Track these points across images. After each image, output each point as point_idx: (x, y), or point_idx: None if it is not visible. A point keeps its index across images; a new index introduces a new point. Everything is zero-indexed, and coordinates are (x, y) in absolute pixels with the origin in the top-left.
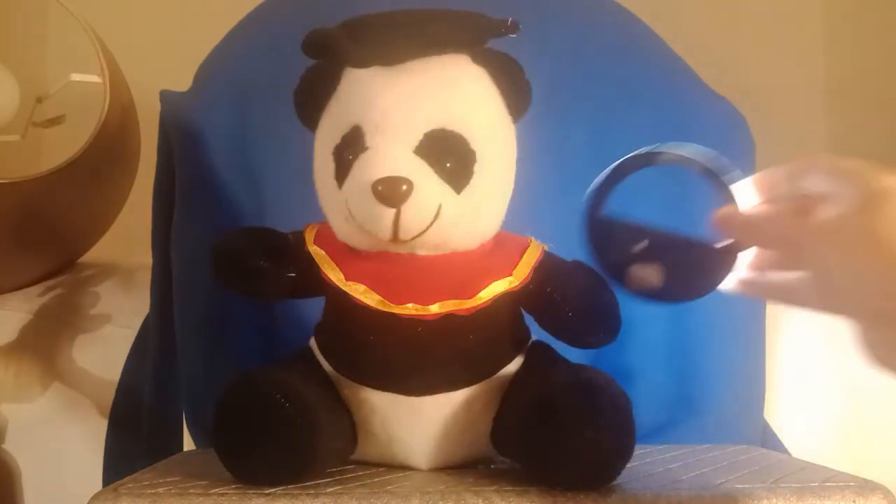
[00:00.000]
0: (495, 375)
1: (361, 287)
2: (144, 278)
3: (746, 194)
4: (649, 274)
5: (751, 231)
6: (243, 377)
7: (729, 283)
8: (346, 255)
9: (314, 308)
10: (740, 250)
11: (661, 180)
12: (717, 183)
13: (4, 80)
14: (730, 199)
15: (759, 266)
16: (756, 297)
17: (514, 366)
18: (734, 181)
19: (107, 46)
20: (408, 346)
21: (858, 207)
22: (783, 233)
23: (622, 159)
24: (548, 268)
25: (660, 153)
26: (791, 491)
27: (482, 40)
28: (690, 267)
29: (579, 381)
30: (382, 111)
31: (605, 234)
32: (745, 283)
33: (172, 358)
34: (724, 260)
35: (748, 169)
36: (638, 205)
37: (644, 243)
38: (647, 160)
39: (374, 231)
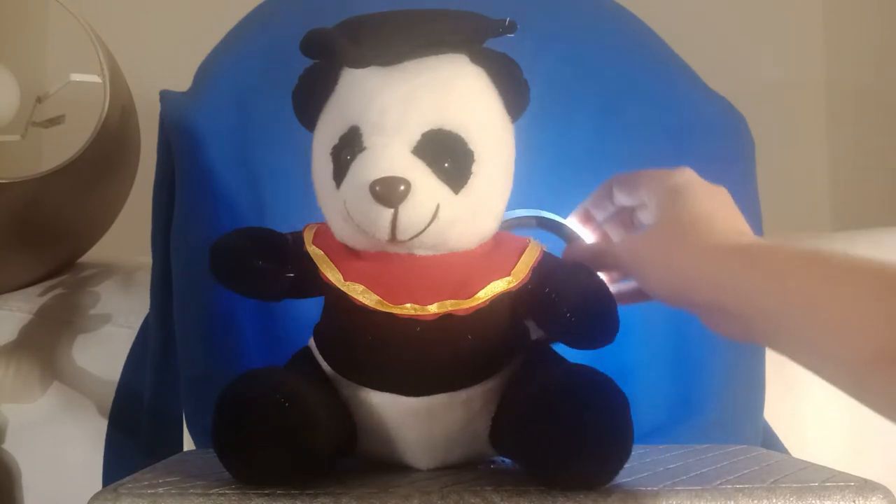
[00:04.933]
0: (494, 375)
1: (360, 287)
2: (144, 278)
3: (579, 230)
4: None
5: (593, 260)
6: (243, 377)
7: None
8: (344, 255)
9: (314, 308)
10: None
11: None
12: (555, 229)
13: (4, 80)
14: (572, 237)
15: (612, 279)
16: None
17: (513, 366)
18: (563, 225)
19: (107, 46)
20: (406, 347)
21: (660, 209)
22: (611, 254)
23: None
24: (546, 268)
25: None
26: (791, 491)
27: (480, 40)
28: None
29: (578, 381)
30: (380, 111)
31: None
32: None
33: (172, 358)
34: None
35: (749, 169)
36: None
37: None
38: None
39: (371, 231)
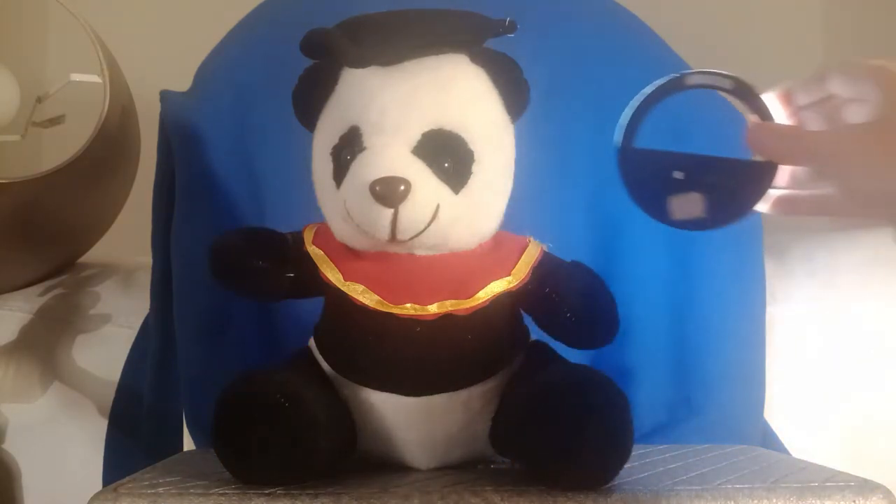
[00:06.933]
0: (494, 375)
1: (360, 287)
2: (144, 278)
3: (775, 107)
4: (691, 203)
5: (781, 145)
6: (243, 378)
7: (766, 203)
8: (344, 255)
9: (314, 308)
10: (776, 166)
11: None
12: (749, 98)
13: (4, 80)
14: (764, 113)
15: (793, 181)
16: (792, 213)
17: (513, 366)
18: (764, 95)
19: (107, 46)
20: (406, 347)
21: (883, 107)
22: (809, 144)
23: (648, 90)
24: (546, 268)
25: (685, 78)
26: (791, 491)
27: (480, 40)
28: (729, 188)
29: (578, 381)
30: (380, 111)
31: (639, 167)
32: (781, 201)
33: (172, 358)
34: (762, 177)
35: None
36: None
37: (680, 171)
38: (673, 87)
39: (372, 231)
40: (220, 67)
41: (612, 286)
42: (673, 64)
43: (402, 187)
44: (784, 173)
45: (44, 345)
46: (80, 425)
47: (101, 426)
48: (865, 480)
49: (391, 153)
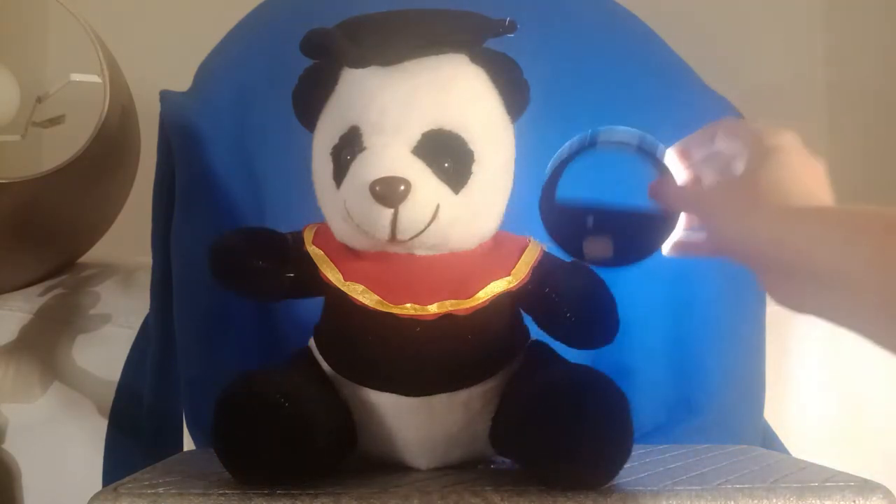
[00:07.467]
0: (494, 375)
1: (360, 287)
2: (144, 278)
3: (673, 165)
4: (601, 245)
5: (671, 198)
6: (242, 378)
7: (667, 246)
8: (344, 255)
9: (314, 308)
10: (674, 215)
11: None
12: (650, 158)
13: (4, 80)
14: (663, 171)
15: (690, 226)
16: (687, 255)
17: (513, 366)
18: (664, 154)
19: (107, 46)
20: (406, 347)
21: (749, 165)
22: (689, 197)
23: (561, 150)
24: (546, 268)
25: (595, 136)
26: (791, 491)
27: (480, 40)
28: (634, 234)
29: (578, 381)
30: (380, 111)
31: (557, 217)
32: (678, 245)
33: (172, 358)
34: (663, 225)
35: None
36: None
37: (591, 220)
38: (585, 146)
39: (371, 231)
40: (220, 67)
41: (612, 286)
42: (672, 63)
43: (402, 187)
44: (683, 219)
45: (44, 345)
46: (80, 425)
47: (101, 426)
48: (865, 480)
49: (391, 153)
